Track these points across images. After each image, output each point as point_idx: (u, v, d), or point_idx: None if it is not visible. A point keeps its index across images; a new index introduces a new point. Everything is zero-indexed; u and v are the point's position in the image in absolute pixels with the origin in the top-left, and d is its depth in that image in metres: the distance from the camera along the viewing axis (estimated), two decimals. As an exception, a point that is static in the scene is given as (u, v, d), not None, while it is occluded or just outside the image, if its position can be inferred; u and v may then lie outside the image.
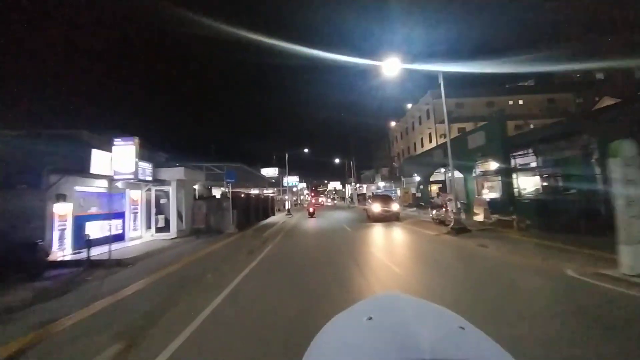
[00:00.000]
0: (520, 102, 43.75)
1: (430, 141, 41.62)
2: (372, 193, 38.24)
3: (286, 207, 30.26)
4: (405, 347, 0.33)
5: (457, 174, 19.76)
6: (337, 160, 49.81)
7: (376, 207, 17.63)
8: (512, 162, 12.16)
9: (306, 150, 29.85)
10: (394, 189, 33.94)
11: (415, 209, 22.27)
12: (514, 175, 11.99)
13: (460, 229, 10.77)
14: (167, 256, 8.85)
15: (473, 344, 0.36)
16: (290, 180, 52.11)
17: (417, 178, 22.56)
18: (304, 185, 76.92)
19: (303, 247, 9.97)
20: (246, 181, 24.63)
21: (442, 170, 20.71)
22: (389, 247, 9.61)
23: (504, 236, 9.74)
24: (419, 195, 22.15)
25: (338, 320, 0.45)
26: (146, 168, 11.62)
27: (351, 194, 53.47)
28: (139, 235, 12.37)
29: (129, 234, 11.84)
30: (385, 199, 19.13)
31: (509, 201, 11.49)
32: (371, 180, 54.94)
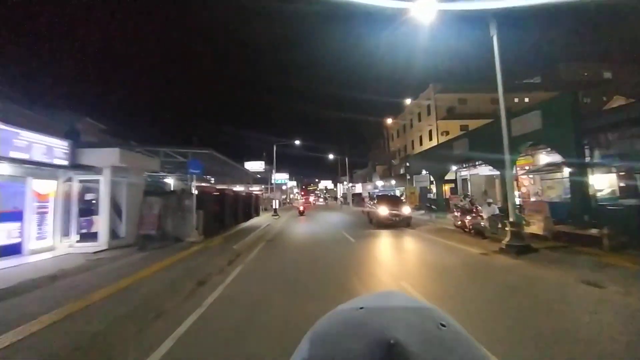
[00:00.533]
0: (527, 99, 41.56)
1: (431, 139, 38.89)
2: (369, 193, 34.89)
3: (273, 207, 26.52)
4: (386, 337, 0.34)
5: (482, 171, 16.34)
6: (330, 156, 46.30)
7: (383, 211, 14.14)
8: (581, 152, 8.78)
9: (297, 142, 25.99)
10: (393, 188, 30.60)
11: (423, 212, 18.87)
12: (590, 172, 8.60)
13: (522, 248, 7.31)
14: (49, 295, 5.03)
15: (450, 340, 0.36)
16: (279, 177, 48.34)
17: (428, 177, 19.09)
18: (294, 183, 73.08)
19: (288, 275, 6.31)
20: (223, 175, 20.74)
21: (460, 166, 17.35)
22: (427, 279, 6.01)
23: (602, 263, 6.29)
24: (431, 196, 18.74)
25: (337, 310, 0.44)
26: (55, 146, 7.73)
27: (344, 194, 49.94)
28: (50, 246, 8.45)
29: (30, 244, 7.91)
30: (393, 200, 15.63)
31: (583, 207, 8.12)
32: (367, 179, 51.71)
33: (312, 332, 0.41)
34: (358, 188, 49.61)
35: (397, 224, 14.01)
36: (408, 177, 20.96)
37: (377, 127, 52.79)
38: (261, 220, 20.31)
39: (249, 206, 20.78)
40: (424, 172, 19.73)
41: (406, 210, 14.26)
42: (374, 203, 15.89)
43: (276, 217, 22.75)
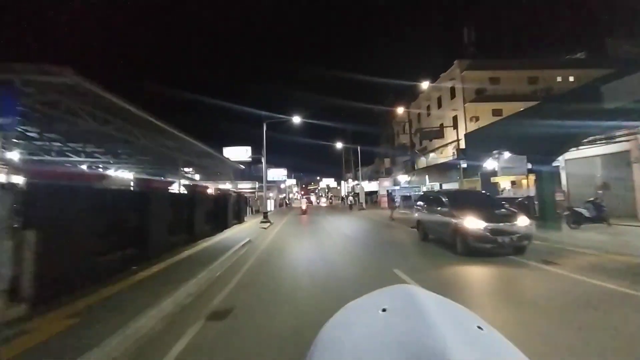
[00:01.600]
0: (571, 78, 34.60)
1: (455, 127, 31.65)
2: (388, 191, 27.74)
3: (266, 209, 19.31)
4: (422, 344, 0.31)
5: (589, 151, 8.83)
6: (338, 145, 39.21)
7: (472, 223, 6.89)
8: None
9: (295, 119, 18.43)
10: (425, 184, 23.35)
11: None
12: None
13: None
14: None
15: (491, 345, 0.34)
16: (276, 173, 40.86)
17: (525, 161, 11.73)
18: (293, 181, 65.55)
19: None
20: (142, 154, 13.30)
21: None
22: None
23: None
24: (530, 196, 11.34)
25: (348, 311, 0.41)
26: None
27: (352, 192, 42.47)
28: None
29: None
30: (487, 202, 8.36)
31: None
32: (374, 177, 44.61)
33: (321, 336, 0.36)
34: (366, 186, 42.24)
35: (500, 250, 6.83)
36: (464, 165, 13.71)
37: (387, 118, 45.52)
38: (243, 230, 13.03)
39: (224, 210, 13.46)
40: (494, 154, 12.49)
41: (522, 221, 7.01)
42: (441, 207, 8.55)
43: (266, 225, 15.39)
